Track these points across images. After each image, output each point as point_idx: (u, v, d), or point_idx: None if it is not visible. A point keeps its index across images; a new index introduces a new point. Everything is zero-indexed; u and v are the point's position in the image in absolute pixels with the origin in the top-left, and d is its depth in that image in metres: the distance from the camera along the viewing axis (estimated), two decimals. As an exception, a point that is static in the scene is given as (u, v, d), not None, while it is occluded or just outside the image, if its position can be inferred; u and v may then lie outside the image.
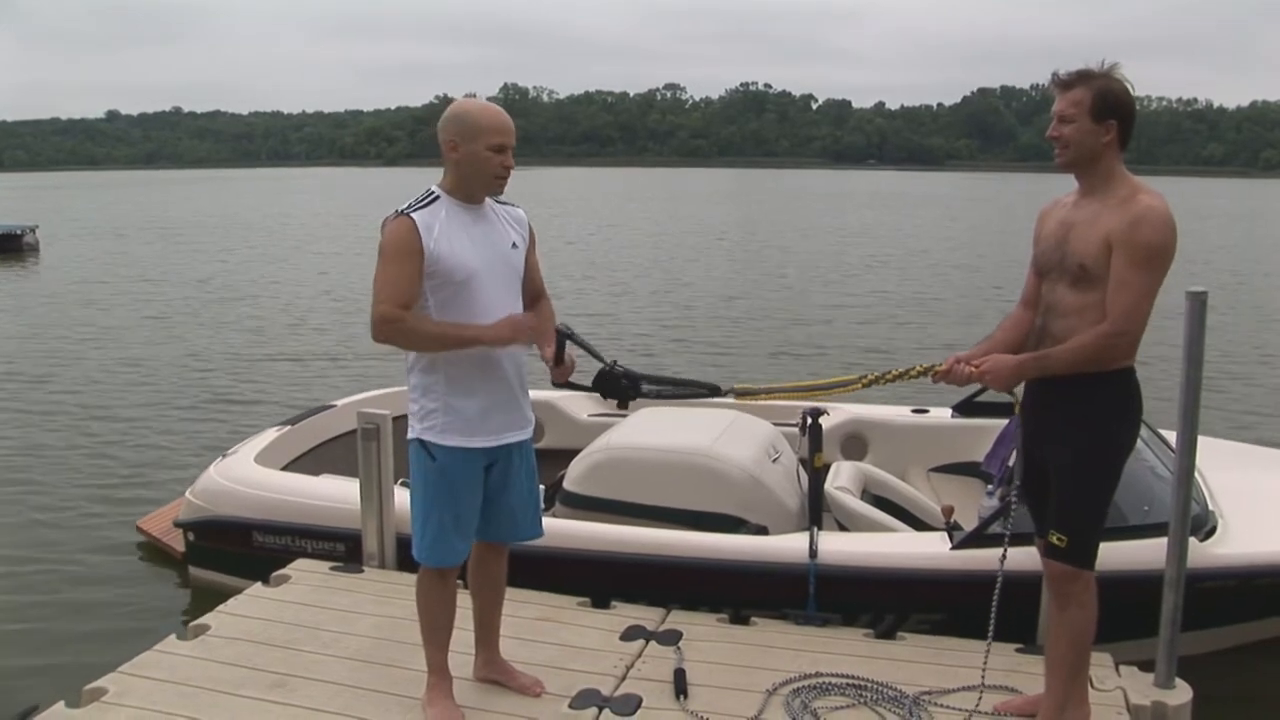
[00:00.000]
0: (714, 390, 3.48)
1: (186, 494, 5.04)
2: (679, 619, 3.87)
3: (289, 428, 5.56)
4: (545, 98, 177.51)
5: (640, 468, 4.50)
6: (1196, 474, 3.48)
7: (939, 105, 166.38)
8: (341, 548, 4.47)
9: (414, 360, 2.98)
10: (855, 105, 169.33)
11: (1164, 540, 3.32)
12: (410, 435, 3.02)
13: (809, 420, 4.36)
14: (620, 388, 3.23)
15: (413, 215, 2.86)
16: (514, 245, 3.04)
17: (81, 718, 3.15)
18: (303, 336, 12.84)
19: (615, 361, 3.23)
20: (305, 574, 4.29)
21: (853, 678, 3.39)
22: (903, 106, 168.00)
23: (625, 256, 23.01)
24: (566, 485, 4.61)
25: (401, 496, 4.15)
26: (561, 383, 3.13)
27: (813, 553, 3.94)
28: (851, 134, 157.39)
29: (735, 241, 27.41)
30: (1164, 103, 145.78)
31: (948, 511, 4.22)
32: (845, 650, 3.63)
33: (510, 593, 3.38)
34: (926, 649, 3.65)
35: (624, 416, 5.08)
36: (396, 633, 3.66)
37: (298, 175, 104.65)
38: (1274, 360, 11.54)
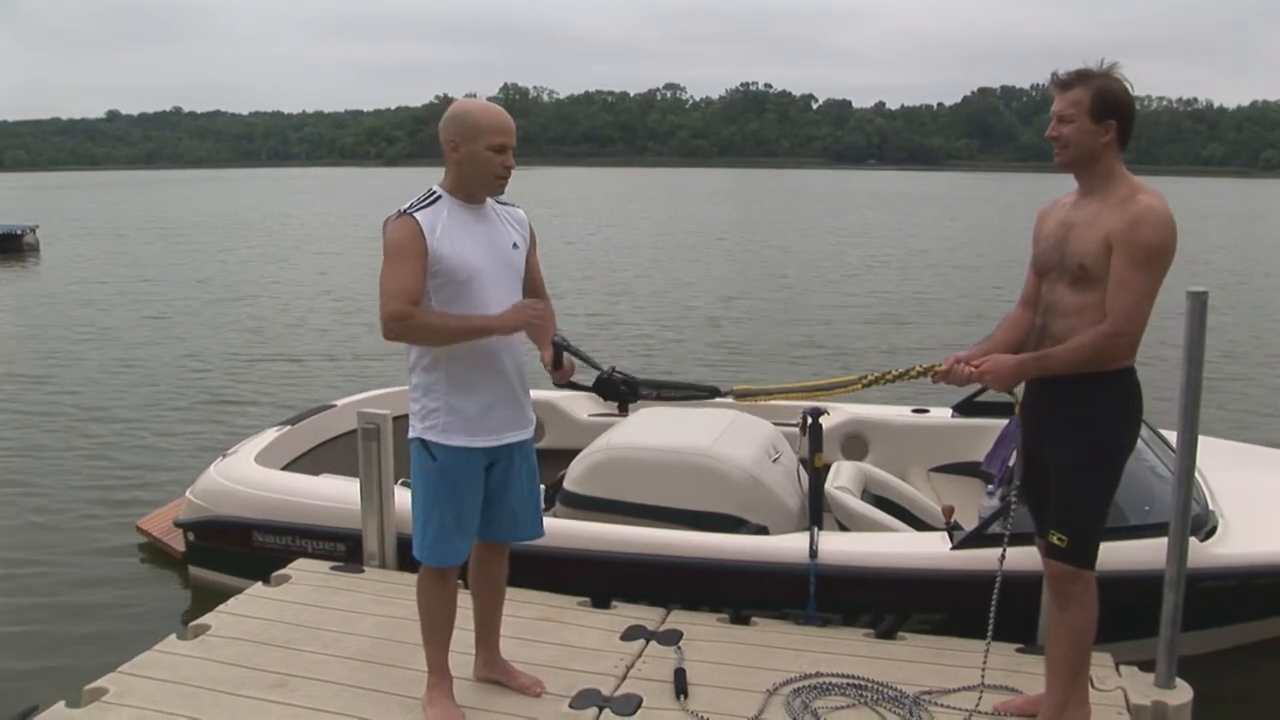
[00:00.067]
0: (713, 393, 3.48)
1: (187, 494, 5.04)
2: (679, 619, 3.87)
3: (289, 428, 5.56)
4: (545, 98, 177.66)
5: (640, 468, 4.50)
6: (1197, 474, 3.48)
7: (939, 105, 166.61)
8: (342, 548, 4.47)
9: (415, 359, 2.98)
10: (855, 105, 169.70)
11: (1164, 540, 3.32)
12: (411, 435, 3.02)
13: (809, 420, 4.36)
14: (619, 393, 3.23)
15: (415, 215, 2.87)
16: (515, 245, 3.05)
17: (82, 718, 3.15)
18: (302, 337, 12.84)
19: (613, 368, 3.23)
20: (305, 574, 4.29)
21: (853, 678, 3.39)
22: (903, 106, 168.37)
23: (625, 256, 23.02)
24: (567, 485, 4.62)
25: (402, 496, 4.15)
26: (563, 383, 3.13)
27: (813, 553, 3.94)
28: (851, 134, 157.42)
29: (735, 241, 27.41)
30: (1164, 103, 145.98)
31: (948, 511, 4.22)
32: (845, 650, 3.63)
33: (511, 593, 3.38)
34: (927, 649, 3.65)
35: (624, 417, 5.08)
36: (397, 633, 3.66)
37: (298, 175, 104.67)
38: (1274, 360, 11.54)
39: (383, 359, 10.78)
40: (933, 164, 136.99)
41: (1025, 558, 3.28)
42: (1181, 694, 3.35)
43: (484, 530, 3.12)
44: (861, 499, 4.65)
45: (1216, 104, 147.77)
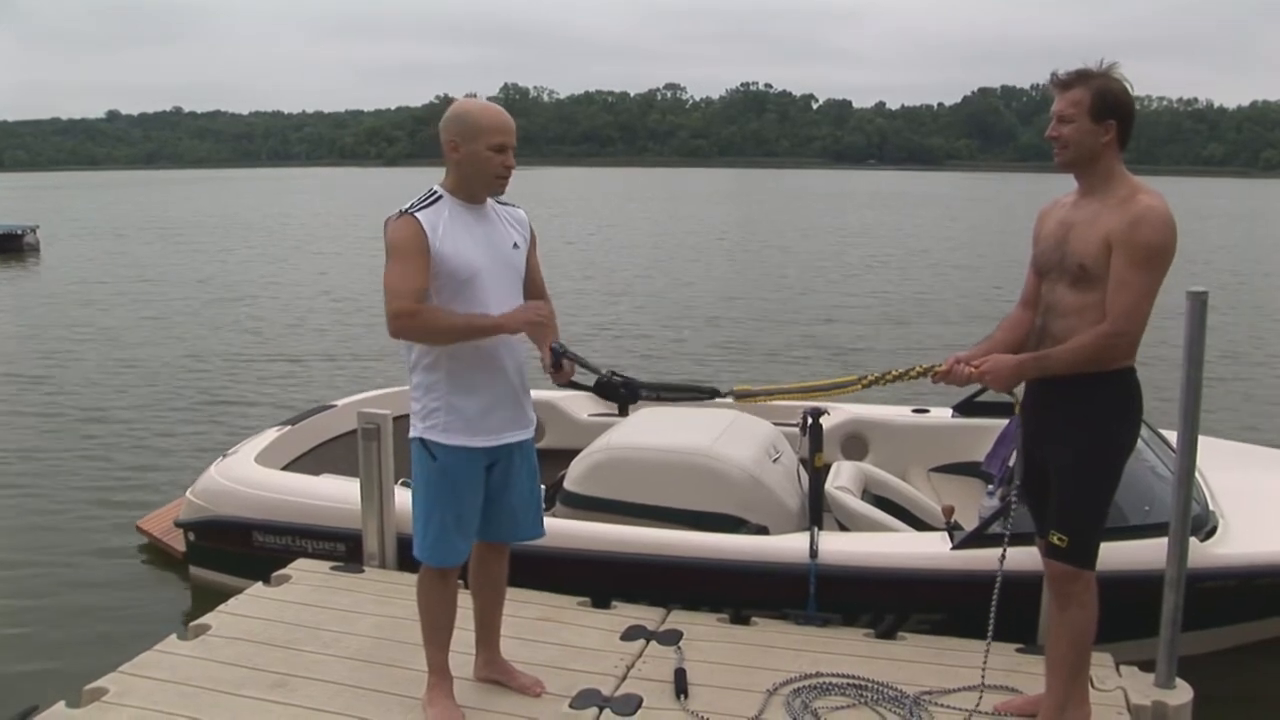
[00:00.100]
0: (713, 394, 3.48)
1: (187, 494, 5.04)
2: (679, 619, 3.87)
3: (289, 428, 5.56)
4: (545, 98, 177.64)
5: (641, 468, 4.50)
6: (1197, 474, 3.48)
7: (939, 105, 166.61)
8: (342, 548, 4.47)
9: (416, 359, 2.98)
10: (855, 105, 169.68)
11: (1164, 540, 3.32)
12: (412, 434, 3.02)
13: (809, 420, 4.36)
14: (619, 395, 3.23)
15: (417, 215, 2.87)
16: (515, 245, 3.05)
17: (82, 718, 3.15)
18: (302, 337, 12.84)
19: (612, 372, 3.23)
20: (306, 574, 4.30)
21: (853, 678, 3.39)
22: (903, 106, 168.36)
23: (625, 257, 23.02)
24: (567, 485, 4.62)
25: (402, 496, 4.15)
26: (563, 383, 3.13)
27: (813, 553, 3.94)
28: (852, 134, 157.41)
29: (735, 241, 27.41)
30: (1164, 103, 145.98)
31: (948, 511, 4.22)
32: (845, 650, 3.63)
33: (511, 593, 3.38)
34: (927, 649, 3.65)
35: (624, 417, 5.07)
36: (397, 633, 3.66)
37: (298, 175, 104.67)
38: (1274, 360, 11.54)
39: (382, 359, 10.79)
40: (933, 164, 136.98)
41: (1025, 558, 3.28)
42: (1181, 694, 3.35)
43: (484, 530, 3.12)
44: (861, 499, 4.65)
45: (1216, 104, 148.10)
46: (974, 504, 4.77)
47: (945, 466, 5.59)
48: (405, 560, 3.99)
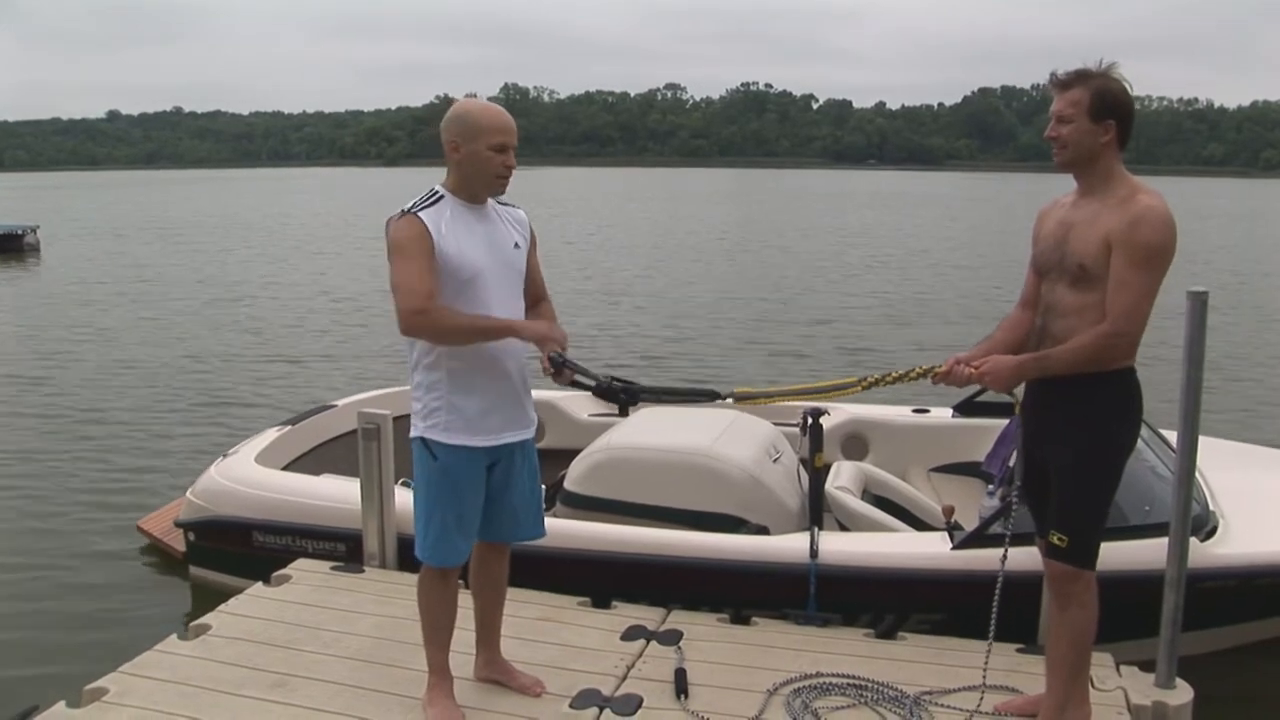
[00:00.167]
0: (713, 396, 3.48)
1: (187, 494, 5.04)
2: (679, 619, 3.87)
3: (289, 428, 5.56)
4: (545, 98, 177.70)
5: (641, 468, 4.50)
6: (1197, 474, 3.48)
7: (939, 105, 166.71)
8: (342, 548, 4.47)
9: (418, 358, 2.98)
10: (855, 105, 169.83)
11: (1165, 540, 3.32)
12: (413, 434, 3.02)
13: (809, 420, 4.36)
14: (619, 399, 3.24)
15: (419, 214, 2.87)
16: (516, 246, 3.05)
17: (82, 717, 3.15)
18: (302, 337, 12.84)
19: (612, 378, 3.23)
20: (306, 574, 4.30)
21: (853, 678, 3.39)
22: (903, 106, 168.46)
23: (625, 257, 23.02)
24: (567, 485, 4.62)
25: (402, 496, 4.16)
26: (564, 383, 3.13)
27: (813, 553, 3.94)
28: (852, 134, 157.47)
29: (735, 242, 27.40)
30: (1164, 103, 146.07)
31: (948, 511, 4.22)
32: (846, 650, 3.63)
33: (511, 593, 3.38)
34: (927, 649, 3.65)
35: (624, 417, 5.07)
36: (397, 633, 3.66)
37: (298, 175, 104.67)
38: (1274, 360, 11.53)
39: (383, 359, 10.80)
40: (933, 164, 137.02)
41: (1025, 558, 3.28)
42: (1181, 694, 3.35)
43: (485, 530, 3.12)
44: (862, 499, 4.65)
45: (1216, 104, 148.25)
46: (974, 504, 4.77)
47: (945, 466, 5.59)
48: (405, 560, 3.99)
